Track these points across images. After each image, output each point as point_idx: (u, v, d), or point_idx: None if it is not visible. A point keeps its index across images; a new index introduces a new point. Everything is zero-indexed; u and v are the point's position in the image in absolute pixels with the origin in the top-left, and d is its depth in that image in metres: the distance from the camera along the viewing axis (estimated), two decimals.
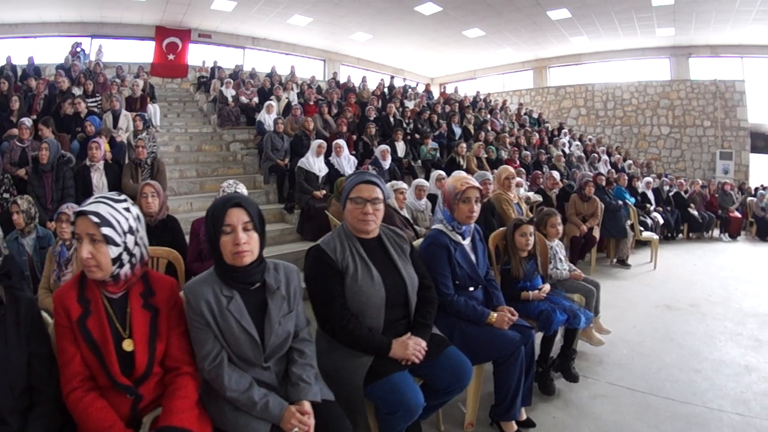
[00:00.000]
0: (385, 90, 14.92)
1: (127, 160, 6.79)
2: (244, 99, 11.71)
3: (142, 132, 7.80)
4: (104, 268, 1.73)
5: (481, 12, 15.79)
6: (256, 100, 11.61)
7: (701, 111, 17.98)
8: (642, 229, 8.35)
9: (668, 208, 10.53)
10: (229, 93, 11.75)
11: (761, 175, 17.11)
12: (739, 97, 17.47)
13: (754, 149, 17.39)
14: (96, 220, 1.70)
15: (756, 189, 13.89)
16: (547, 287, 3.63)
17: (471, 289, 2.96)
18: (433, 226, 3.04)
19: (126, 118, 8.33)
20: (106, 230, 1.71)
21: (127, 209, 1.82)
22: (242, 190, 3.81)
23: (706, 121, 17.90)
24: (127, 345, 1.79)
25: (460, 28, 17.50)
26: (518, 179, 7.69)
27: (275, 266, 2.10)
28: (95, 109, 8.67)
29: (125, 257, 1.78)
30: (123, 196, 1.87)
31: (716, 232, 11.58)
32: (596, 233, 7.11)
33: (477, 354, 2.75)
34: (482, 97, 17.26)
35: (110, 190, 5.81)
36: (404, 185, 5.23)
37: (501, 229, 3.92)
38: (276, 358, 2.03)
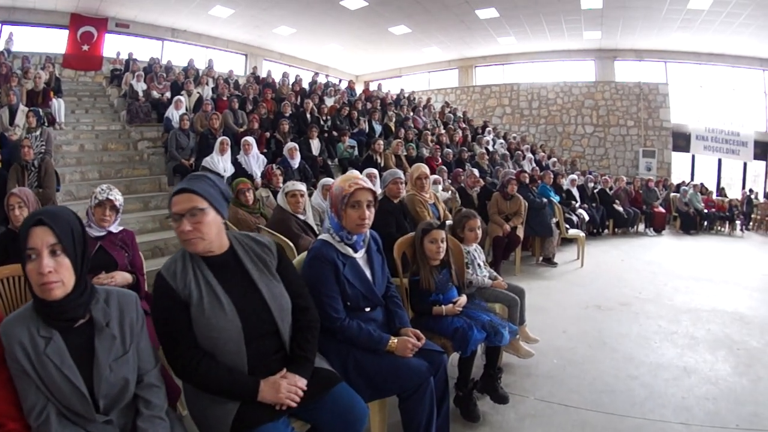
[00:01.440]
0: (305, 86, 14.32)
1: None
2: (155, 94, 10.86)
3: (36, 130, 6.97)
4: None
5: (408, 9, 15.52)
6: (168, 95, 10.77)
7: (625, 111, 18.44)
8: (568, 226, 8.06)
9: (593, 205, 10.39)
10: (140, 87, 10.93)
11: (682, 172, 17.91)
12: (662, 99, 18.10)
13: (676, 148, 18.08)
14: None
15: (678, 185, 14.21)
16: (462, 300, 3.11)
17: (367, 309, 2.45)
18: (319, 237, 2.49)
19: (23, 114, 7.47)
20: None
21: None
22: (115, 196, 3.08)
23: (630, 121, 18.37)
24: None
25: (386, 25, 17.21)
26: (435, 176, 7.25)
27: (107, 296, 1.68)
28: None
29: None
30: None
31: (641, 227, 11.65)
32: (520, 232, 6.70)
33: (377, 388, 2.29)
34: (406, 94, 16.91)
35: None
36: (300, 187, 4.56)
37: (408, 235, 3.39)
38: (118, 409, 1.64)
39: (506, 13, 15.47)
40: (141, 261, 3.20)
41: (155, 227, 6.85)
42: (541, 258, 7.49)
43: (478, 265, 3.76)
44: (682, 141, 17.94)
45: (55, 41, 15.51)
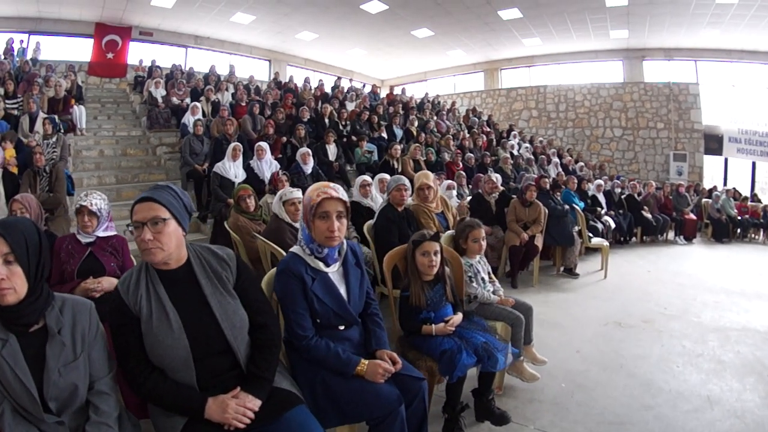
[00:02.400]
0: (328, 91, 14.27)
1: None
2: (175, 100, 10.99)
3: (52, 136, 7.17)
4: None
5: (429, 11, 15.32)
6: (188, 101, 10.78)
7: (654, 113, 17.86)
8: (591, 235, 7.66)
9: (620, 212, 9.95)
10: (159, 93, 11.14)
11: (715, 176, 17.24)
12: (693, 100, 17.44)
13: (708, 151, 17.38)
14: None
15: (710, 190, 13.67)
16: (456, 318, 2.87)
17: (341, 327, 2.31)
18: (291, 249, 2.36)
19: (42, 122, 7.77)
20: None
21: None
22: (97, 201, 3.11)
23: (660, 123, 17.80)
24: None
25: (408, 28, 17.06)
26: (449, 182, 6.98)
27: (62, 304, 1.73)
28: (14, 111, 8.19)
29: None
30: None
31: (671, 235, 11.10)
32: (539, 241, 6.36)
33: (343, 413, 2.15)
34: (430, 98, 16.70)
35: (8, 200, 5.18)
36: (298, 195, 4.37)
37: (400, 246, 3.15)
38: (70, 412, 1.69)
39: (529, 13, 15.14)
40: (132, 266, 3.16)
41: None
42: (561, 268, 7.12)
43: (482, 279, 3.49)
44: (714, 143, 17.26)
45: (81, 50, 15.96)
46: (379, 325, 2.43)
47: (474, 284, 3.39)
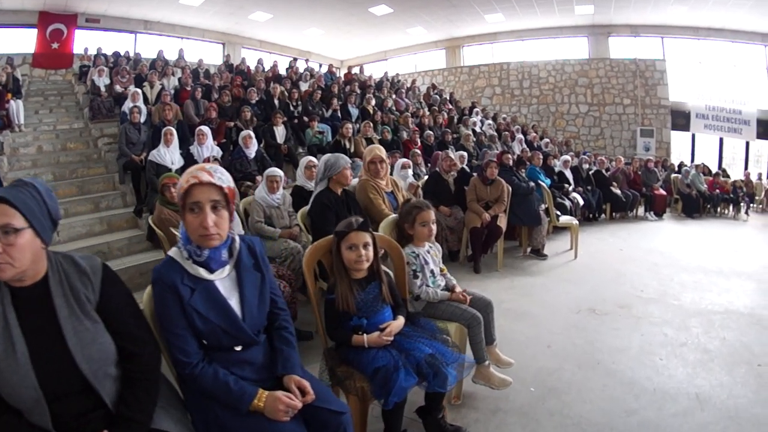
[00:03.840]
0: (283, 73, 13.64)
1: None
2: (118, 88, 10.18)
3: None
4: None
5: None
6: (132, 88, 9.86)
7: (621, 89, 17.74)
8: (559, 213, 7.14)
9: (588, 188, 9.51)
10: (102, 82, 10.38)
11: (682, 152, 17.21)
12: (660, 76, 17.37)
13: (675, 127, 17.35)
14: None
15: (679, 165, 13.40)
16: (395, 325, 2.31)
17: (238, 348, 1.79)
18: (169, 252, 1.82)
19: None
20: None
21: None
22: None
23: (626, 99, 17.68)
24: None
25: (365, 5, 16.45)
26: (404, 160, 6.40)
27: None
28: None
29: None
30: None
31: (641, 211, 10.78)
32: (502, 222, 5.80)
33: None
34: (390, 77, 16.12)
35: None
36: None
37: (325, 238, 2.55)
38: None
39: None
40: None
41: (102, 230, 6.39)
42: (528, 250, 6.59)
43: (431, 272, 2.92)
44: (681, 120, 17.22)
45: (26, 41, 15.04)
46: (287, 343, 1.92)
47: (418, 280, 2.83)
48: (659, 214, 10.56)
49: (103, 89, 10.21)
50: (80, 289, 1.54)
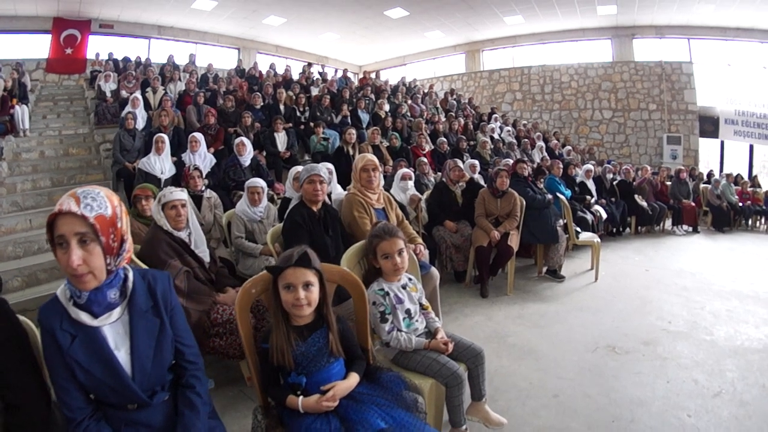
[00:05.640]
0: (295, 77, 13.35)
1: None
2: (124, 93, 10.07)
3: None
4: None
5: None
6: (137, 94, 9.79)
7: (646, 94, 16.95)
8: (579, 229, 6.46)
9: (612, 200, 8.86)
10: (108, 87, 10.33)
11: (710, 160, 16.37)
12: (687, 80, 16.52)
13: (703, 133, 16.43)
14: None
15: (708, 175, 12.60)
16: (343, 387, 1.82)
17: (132, 407, 1.53)
18: (58, 290, 1.53)
19: None
20: None
21: None
22: None
23: (652, 105, 16.89)
24: None
25: (380, 8, 16.00)
26: (405, 171, 5.85)
27: None
28: None
29: None
30: None
31: (668, 224, 10.01)
32: (514, 241, 5.20)
33: None
34: (406, 82, 15.65)
35: None
36: (180, 195, 3.20)
37: (261, 274, 2.04)
38: None
39: None
40: None
41: None
42: (544, 270, 5.98)
43: (407, 312, 2.40)
44: (709, 126, 16.27)
45: (41, 47, 15.18)
46: (191, 406, 1.60)
47: (387, 324, 2.31)
48: (691, 229, 9.85)
49: (109, 94, 10.15)
50: None
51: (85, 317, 1.46)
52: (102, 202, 1.44)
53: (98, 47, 14.96)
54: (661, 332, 4.10)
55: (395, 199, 4.50)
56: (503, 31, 18.26)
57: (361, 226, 3.54)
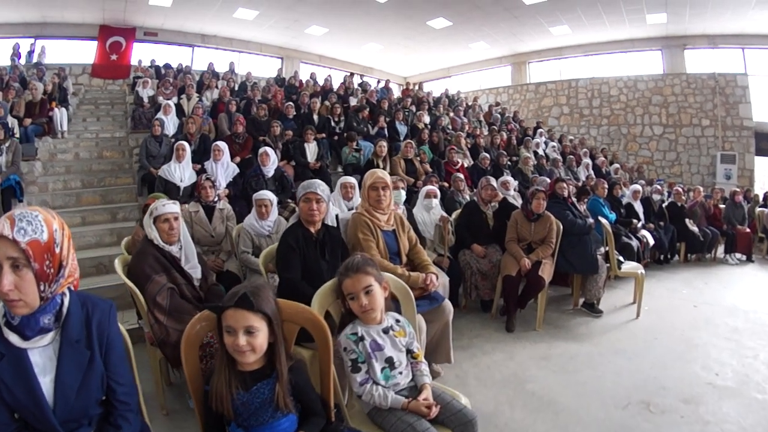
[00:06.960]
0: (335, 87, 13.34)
1: None
2: (161, 99, 10.28)
3: (5, 142, 6.81)
4: None
5: None
6: (175, 100, 10.07)
7: (699, 108, 16.25)
8: (622, 259, 5.85)
9: (661, 224, 8.22)
10: (146, 93, 10.78)
11: (766, 180, 15.59)
12: (742, 93, 15.75)
13: (759, 152, 15.59)
14: None
15: (765, 197, 11.76)
16: None
17: None
18: None
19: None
20: None
21: None
22: None
23: (705, 120, 16.17)
24: None
25: (422, 18, 15.98)
26: (430, 188, 5.48)
27: None
28: None
29: None
30: None
31: (720, 252, 9.23)
32: (546, 271, 4.74)
33: None
34: (450, 94, 15.42)
35: None
36: (172, 209, 3.02)
37: (204, 312, 1.85)
38: None
39: None
40: None
41: (111, 241, 6.29)
42: (581, 302, 5.48)
43: (388, 361, 2.08)
44: (766, 143, 15.47)
45: (87, 52, 16.30)
46: None
47: (359, 375, 2.00)
48: (747, 257, 9.02)
49: (146, 100, 10.56)
50: None
51: (14, 339, 1.42)
52: (38, 226, 1.38)
53: (144, 54, 15.75)
54: (706, 386, 3.58)
55: (415, 219, 4.18)
56: (549, 42, 17.93)
57: (366, 250, 3.20)
